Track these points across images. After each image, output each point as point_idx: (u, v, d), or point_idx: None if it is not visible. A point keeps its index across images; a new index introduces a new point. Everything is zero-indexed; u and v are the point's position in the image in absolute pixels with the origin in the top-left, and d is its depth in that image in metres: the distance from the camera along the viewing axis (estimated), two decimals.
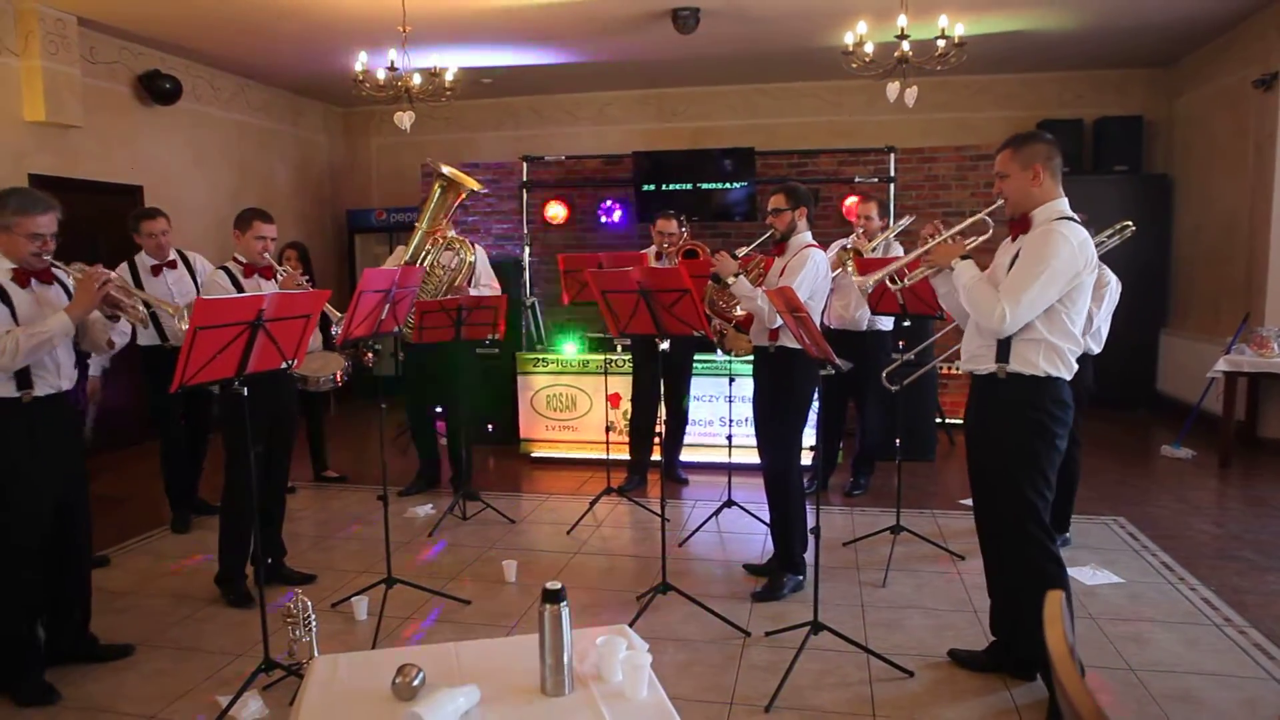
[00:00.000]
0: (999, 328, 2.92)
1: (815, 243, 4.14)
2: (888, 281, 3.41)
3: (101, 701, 3.23)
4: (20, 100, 6.33)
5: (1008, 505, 3.07)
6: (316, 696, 2.10)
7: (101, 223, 6.98)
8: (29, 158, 6.41)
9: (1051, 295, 2.88)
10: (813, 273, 3.99)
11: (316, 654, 3.26)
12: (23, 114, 6.35)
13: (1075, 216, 2.97)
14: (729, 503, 5.24)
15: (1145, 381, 8.30)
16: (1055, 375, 2.97)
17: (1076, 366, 3.01)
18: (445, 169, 5.31)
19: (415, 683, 2.03)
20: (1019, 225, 3.04)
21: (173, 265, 5.07)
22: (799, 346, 3.78)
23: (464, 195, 5.52)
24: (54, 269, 3.28)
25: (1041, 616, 1.21)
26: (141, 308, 3.38)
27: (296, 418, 4.30)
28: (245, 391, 3.07)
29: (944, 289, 3.28)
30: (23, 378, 3.12)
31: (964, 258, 3.10)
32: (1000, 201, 3.10)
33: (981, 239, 3.20)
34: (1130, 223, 4.42)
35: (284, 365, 3.19)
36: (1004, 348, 3.00)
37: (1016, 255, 2.97)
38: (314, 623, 3.34)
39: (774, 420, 4.11)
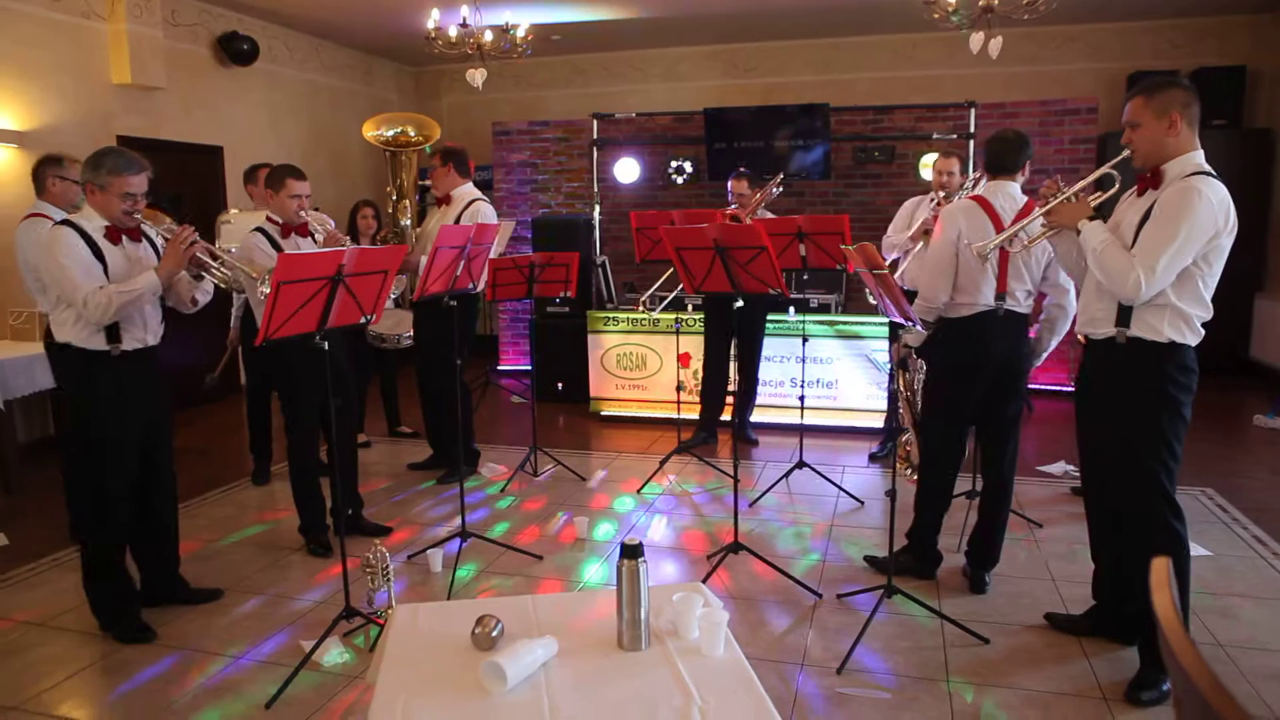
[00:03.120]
0: (1134, 296, 2.72)
1: (979, 196, 3.57)
2: (1006, 245, 3.18)
3: (193, 641, 3.38)
4: (108, 63, 6.51)
5: (1128, 478, 2.91)
6: (398, 644, 2.15)
7: (184, 182, 7.18)
8: (116, 119, 6.60)
9: (1187, 258, 2.68)
10: (935, 237, 3.64)
11: (394, 604, 3.35)
12: (110, 76, 6.53)
13: (1212, 171, 2.74)
14: (800, 464, 5.19)
15: (1238, 347, 7.94)
16: (1181, 342, 2.78)
17: (1204, 333, 2.82)
18: (386, 131, 4.88)
19: (494, 633, 2.05)
20: (1149, 179, 2.82)
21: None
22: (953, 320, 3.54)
23: (415, 151, 5.04)
24: (143, 227, 3.38)
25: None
26: (225, 270, 3.43)
27: (358, 372, 4.29)
28: (326, 346, 3.13)
29: (1063, 248, 3.11)
30: (112, 332, 3.25)
31: (1091, 218, 2.89)
32: (1126, 153, 2.86)
33: (1106, 195, 2.99)
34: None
35: (363, 320, 3.23)
36: (1125, 311, 2.83)
37: (1147, 214, 2.76)
38: (392, 573, 3.43)
39: (926, 402, 3.87)
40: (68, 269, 3.12)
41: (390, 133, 5.01)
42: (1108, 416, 2.96)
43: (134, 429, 3.37)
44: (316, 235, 4.11)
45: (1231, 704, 0.88)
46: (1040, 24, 7.06)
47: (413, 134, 5.07)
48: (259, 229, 4.05)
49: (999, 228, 3.39)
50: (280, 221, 4.06)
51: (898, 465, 4.31)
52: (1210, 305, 2.81)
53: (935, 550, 3.85)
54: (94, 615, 3.44)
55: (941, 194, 5.16)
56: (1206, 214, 2.65)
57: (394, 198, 5.19)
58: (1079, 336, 3.14)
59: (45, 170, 4.29)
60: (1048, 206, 3.00)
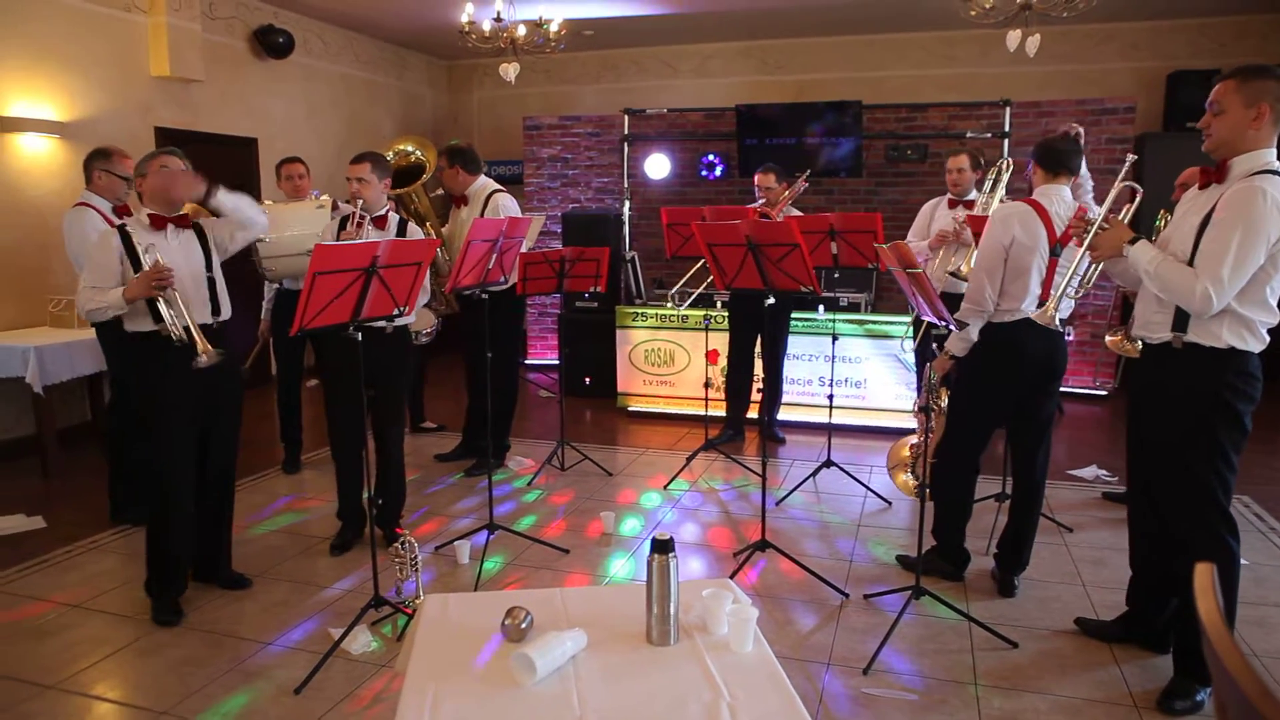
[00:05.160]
0: (1204, 309, 2.58)
1: (1034, 200, 3.43)
2: (1070, 295, 3.07)
3: (225, 626, 3.42)
4: (147, 56, 6.60)
5: (1181, 489, 2.82)
6: (428, 633, 2.16)
7: (220, 174, 7.22)
8: (155, 111, 6.69)
9: (1255, 261, 2.54)
10: (985, 237, 3.49)
11: (422, 594, 3.37)
12: (149, 69, 6.61)
13: None
14: (828, 463, 5.17)
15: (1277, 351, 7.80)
16: (1242, 348, 2.65)
17: (1268, 339, 2.69)
18: (390, 156, 5.13)
19: (524, 625, 2.06)
20: (1214, 173, 2.69)
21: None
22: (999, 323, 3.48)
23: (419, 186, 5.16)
24: (187, 216, 3.57)
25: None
26: (171, 324, 3.33)
27: (400, 367, 4.17)
28: (360, 336, 3.16)
29: (1118, 268, 2.94)
30: (156, 315, 3.33)
31: (1133, 240, 2.74)
32: (1133, 158, 2.80)
33: (1134, 206, 2.91)
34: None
35: (396, 312, 3.26)
36: (1182, 316, 2.69)
37: (1208, 216, 2.62)
38: (420, 564, 3.46)
39: (955, 405, 3.80)
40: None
41: (388, 156, 5.06)
42: (1162, 424, 2.86)
43: (184, 407, 3.46)
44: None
45: None
46: (1078, 22, 6.96)
47: (411, 149, 5.09)
48: (343, 218, 4.12)
49: (1052, 235, 3.35)
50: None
51: (906, 480, 4.26)
52: (1276, 309, 2.68)
53: (963, 550, 3.82)
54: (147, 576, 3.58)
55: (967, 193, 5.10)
56: (1270, 215, 2.52)
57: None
58: (1107, 340, 3.08)
59: (93, 163, 4.39)
60: (1086, 241, 2.87)
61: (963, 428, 3.69)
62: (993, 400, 3.59)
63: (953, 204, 5.07)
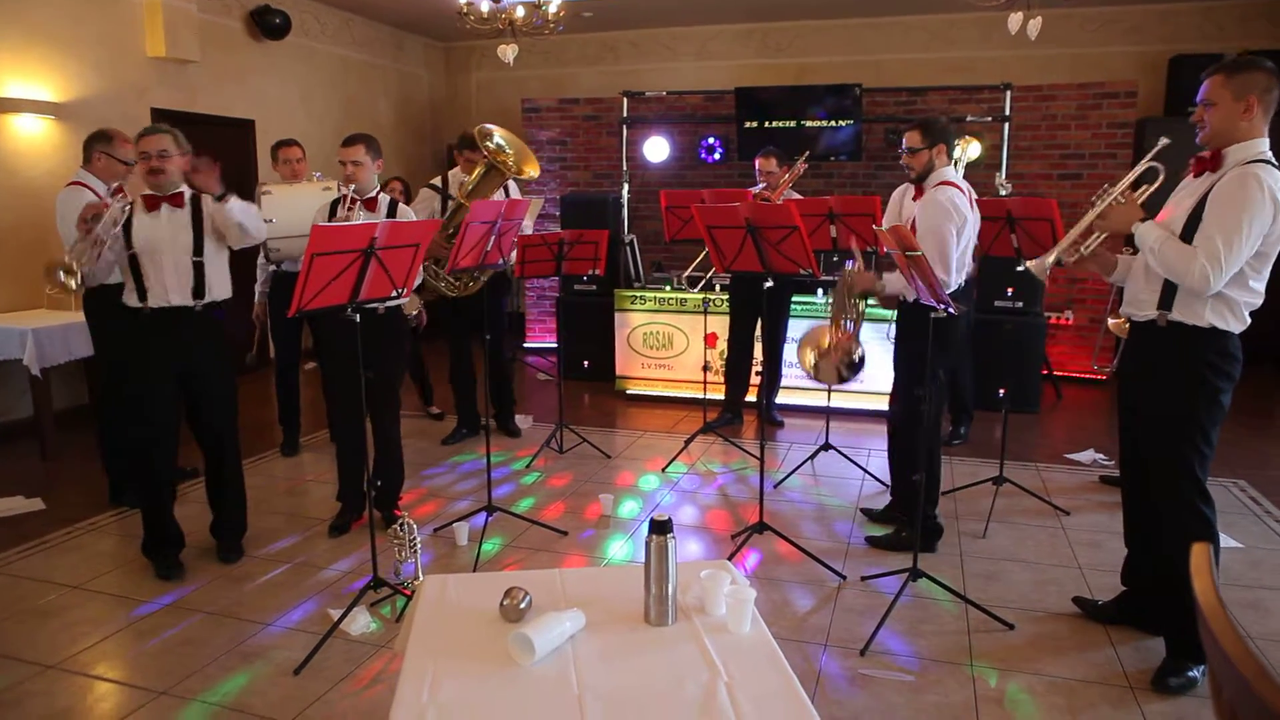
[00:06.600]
0: (1203, 288, 2.65)
1: (954, 180, 3.72)
2: (1065, 258, 3.09)
3: (223, 607, 3.44)
4: (143, 36, 6.55)
5: (1159, 462, 2.91)
6: (427, 614, 2.17)
7: (217, 156, 7.20)
8: (151, 92, 6.65)
9: (1252, 243, 2.62)
10: (936, 224, 3.64)
11: (421, 575, 3.39)
12: (145, 50, 6.57)
13: (1274, 160, 2.68)
14: (826, 446, 5.18)
15: (1273, 335, 7.80)
16: (1223, 328, 2.74)
17: (1249, 320, 2.77)
18: (497, 138, 4.75)
19: (522, 605, 2.07)
20: (1208, 161, 2.76)
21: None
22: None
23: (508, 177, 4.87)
24: (183, 194, 3.63)
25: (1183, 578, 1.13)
26: (108, 253, 3.41)
27: (395, 349, 4.13)
28: (358, 318, 3.16)
29: (1109, 268, 3.04)
30: (141, 293, 3.49)
31: (1143, 219, 2.82)
32: (1165, 141, 2.88)
33: (1152, 189, 2.96)
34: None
35: (395, 293, 3.25)
36: (1168, 295, 2.79)
37: (1202, 200, 2.69)
38: (419, 545, 3.47)
39: (903, 378, 3.96)
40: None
41: (494, 144, 4.80)
42: (1145, 399, 2.95)
43: (162, 381, 3.58)
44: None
45: (1276, 689, 0.86)
46: (1079, 5, 6.93)
47: (510, 160, 4.84)
48: (342, 196, 4.12)
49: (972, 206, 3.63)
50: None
51: (807, 357, 4.28)
52: (1261, 292, 2.76)
53: (935, 523, 3.93)
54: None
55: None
56: (1265, 201, 2.59)
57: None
58: (1110, 323, 3.12)
59: (95, 145, 4.35)
60: (1097, 210, 2.94)
61: (932, 402, 3.76)
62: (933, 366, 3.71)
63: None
